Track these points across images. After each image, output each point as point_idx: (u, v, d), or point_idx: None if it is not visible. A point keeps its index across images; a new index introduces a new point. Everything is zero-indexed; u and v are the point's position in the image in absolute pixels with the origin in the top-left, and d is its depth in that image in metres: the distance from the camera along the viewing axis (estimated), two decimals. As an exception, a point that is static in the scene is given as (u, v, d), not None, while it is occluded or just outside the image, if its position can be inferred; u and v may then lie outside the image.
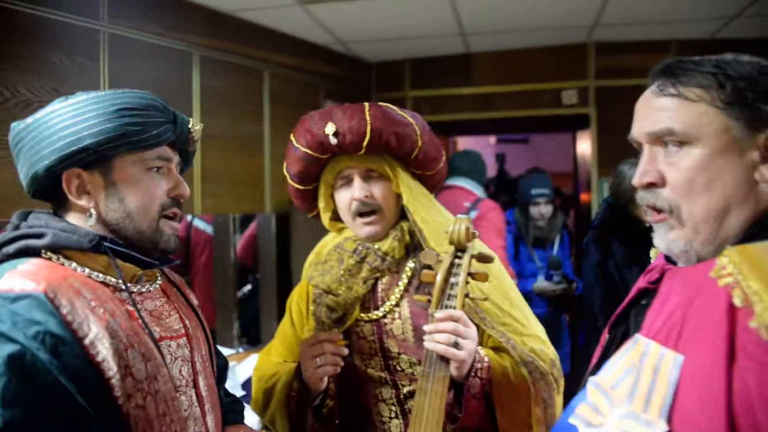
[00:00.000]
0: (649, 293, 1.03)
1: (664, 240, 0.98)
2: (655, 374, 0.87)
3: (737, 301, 0.81)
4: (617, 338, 1.08)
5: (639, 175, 0.99)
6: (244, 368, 3.03)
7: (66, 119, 1.13)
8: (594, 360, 1.13)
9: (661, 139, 0.96)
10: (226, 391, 1.54)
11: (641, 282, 1.06)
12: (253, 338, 3.66)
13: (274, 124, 3.61)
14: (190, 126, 1.28)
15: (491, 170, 6.60)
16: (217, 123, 3.24)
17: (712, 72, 0.93)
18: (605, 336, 1.14)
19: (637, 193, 1.03)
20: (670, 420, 0.83)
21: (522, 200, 3.86)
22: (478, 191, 3.75)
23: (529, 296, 3.51)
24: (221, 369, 1.51)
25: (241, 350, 3.48)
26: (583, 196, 4.67)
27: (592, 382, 0.99)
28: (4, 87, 2.31)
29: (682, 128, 0.94)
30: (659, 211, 0.97)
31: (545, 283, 3.69)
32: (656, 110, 0.97)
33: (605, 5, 3.29)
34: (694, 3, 3.32)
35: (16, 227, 1.17)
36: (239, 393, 2.86)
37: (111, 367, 1.04)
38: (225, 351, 3.40)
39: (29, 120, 1.16)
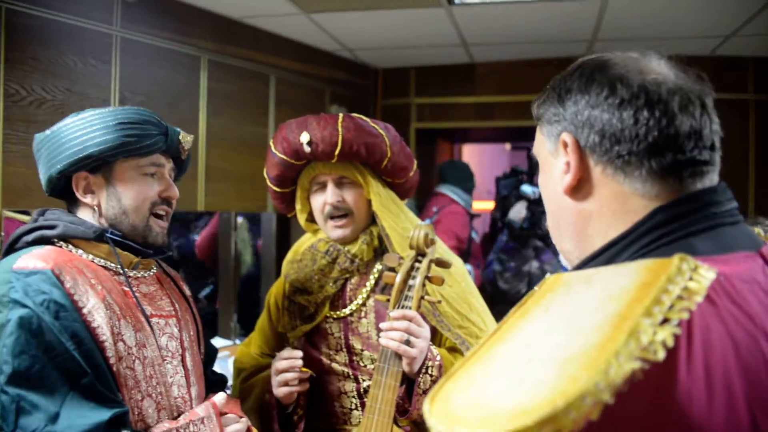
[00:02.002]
0: None
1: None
2: None
3: None
4: None
5: None
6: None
7: (76, 131, 1.36)
8: None
9: None
10: (213, 371, 1.72)
11: None
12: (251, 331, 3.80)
13: (280, 126, 3.74)
14: (180, 137, 1.49)
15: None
16: (222, 124, 3.38)
17: (542, 90, 0.90)
18: None
19: None
20: None
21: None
22: (459, 197, 3.99)
23: None
24: (211, 355, 1.71)
25: (238, 342, 3.62)
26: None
27: None
28: (20, 86, 2.46)
29: (533, 150, 0.94)
30: None
31: None
32: None
33: (601, 21, 3.38)
34: (690, 21, 3.39)
35: (35, 221, 1.41)
36: (230, 382, 3.00)
37: (104, 333, 1.27)
38: (223, 342, 3.56)
39: (48, 132, 1.40)
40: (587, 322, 0.60)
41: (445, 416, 0.56)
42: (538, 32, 3.67)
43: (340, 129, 1.66)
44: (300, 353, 1.67)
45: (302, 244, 1.92)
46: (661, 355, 0.55)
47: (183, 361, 1.48)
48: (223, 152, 3.39)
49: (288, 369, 1.64)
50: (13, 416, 1.16)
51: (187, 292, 1.65)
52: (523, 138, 6.70)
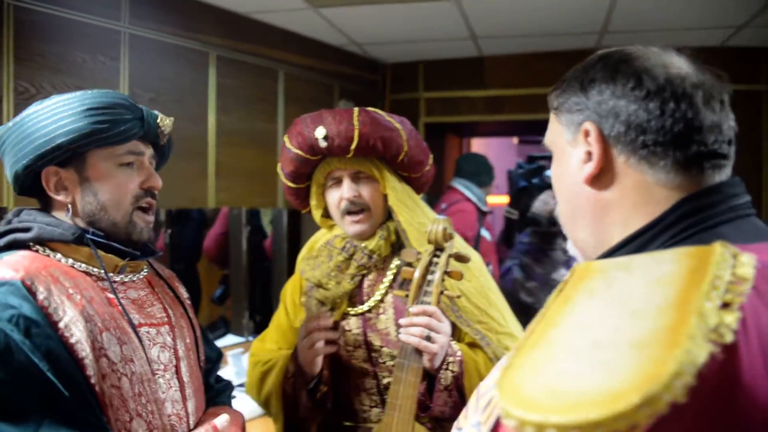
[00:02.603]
0: None
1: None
2: None
3: None
4: None
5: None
6: (251, 356, 3.15)
7: (40, 121, 1.20)
8: None
9: None
10: (217, 377, 1.63)
11: None
12: (263, 328, 3.78)
13: (289, 122, 3.69)
14: (159, 121, 1.34)
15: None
16: (232, 120, 3.37)
17: (558, 82, 0.91)
18: None
19: None
20: None
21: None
22: (471, 192, 3.92)
23: None
24: (213, 360, 1.60)
25: (251, 339, 3.61)
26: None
27: (477, 388, 0.97)
28: (29, 83, 2.45)
29: (546, 140, 0.95)
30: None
31: None
32: None
33: (612, 12, 3.35)
34: (701, 11, 3.36)
35: (9, 222, 1.27)
36: (244, 379, 3.00)
37: (84, 349, 1.12)
38: (235, 339, 3.55)
39: (10, 123, 1.25)
40: (644, 306, 0.61)
41: (528, 404, 0.56)
42: (548, 24, 3.64)
43: (356, 123, 1.64)
44: (329, 312, 1.68)
45: (317, 240, 1.90)
46: (729, 337, 0.55)
47: (178, 373, 1.34)
48: (232, 148, 3.37)
49: (317, 328, 1.64)
50: None
51: (184, 294, 1.52)
52: (533, 132, 6.67)
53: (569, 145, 0.87)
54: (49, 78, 2.51)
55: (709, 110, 0.79)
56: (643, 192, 0.81)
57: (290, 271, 3.78)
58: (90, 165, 1.25)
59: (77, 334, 1.12)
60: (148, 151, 1.34)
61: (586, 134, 0.83)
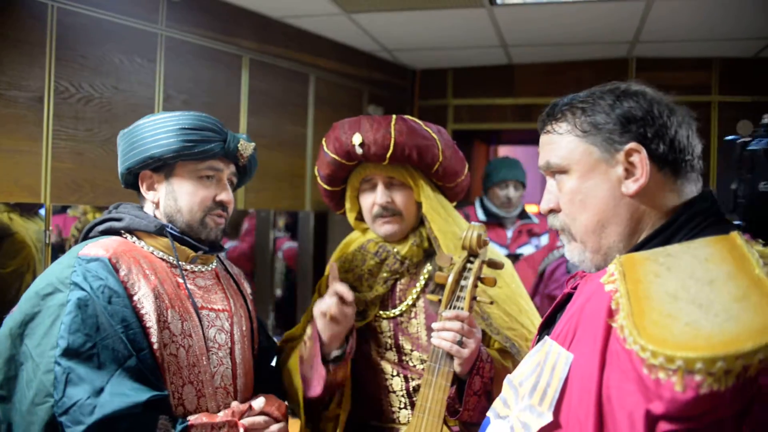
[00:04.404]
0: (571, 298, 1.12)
1: (567, 252, 1.11)
2: (552, 372, 0.95)
3: (614, 305, 0.87)
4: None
5: (541, 204, 1.12)
6: (276, 357, 3.17)
7: (144, 133, 1.50)
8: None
9: (548, 171, 1.09)
10: (271, 369, 1.77)
11: (567, 287, 1.15)
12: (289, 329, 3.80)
13: (318, 126, 3.75)
14: (239, 145, 1.57)
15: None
16: (263, 123, 3.41)
17: (572, 107, 1.05)
18: (535, 339, 1.21)
19: None
20: (557, 412, 0.92)
21: None
22: (478, 200, 3.87)
23: None
24: (269, 350, 1.78)
25: (276, 340, 3.63)
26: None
27: (507, 379, 1.08)
28: (69, 83, 2.50)
29: (555, 160, 1.07)
30: (561, 230, 1.11)
31: None
32: (541, 147, 1.11)
33: (644, 22, 3.33)
34: (735, 23, 3.33)
35: (109, 212, 1.57)
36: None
37: (150, 320, 1.39)
38: (260, 340, 3.56)
39: (126, 129, 1.55)
40: (714, 276, 0.83)
41: (685, 346, 0.75)
42: (580, 34, 3.63)
43: (392, 132, 1.66)
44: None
45: (351, 241, 1.92)
46: None
47: (232, 354, 1.56)
48: (262, 151, 3.38)
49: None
50: (62, 386, 1.29)
51: (247, 290, 1.73)
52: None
53: (602, 162, 1.02)
54: (88, 78, 2.57)
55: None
56: (672, 199, 1.01)
57: (315, 273, 3.82)
58: (176, 174, 1.53)
59: (147, 306, 1.39)
60: (228, 170, 1.58)
61: (630, 154, 1.00)
